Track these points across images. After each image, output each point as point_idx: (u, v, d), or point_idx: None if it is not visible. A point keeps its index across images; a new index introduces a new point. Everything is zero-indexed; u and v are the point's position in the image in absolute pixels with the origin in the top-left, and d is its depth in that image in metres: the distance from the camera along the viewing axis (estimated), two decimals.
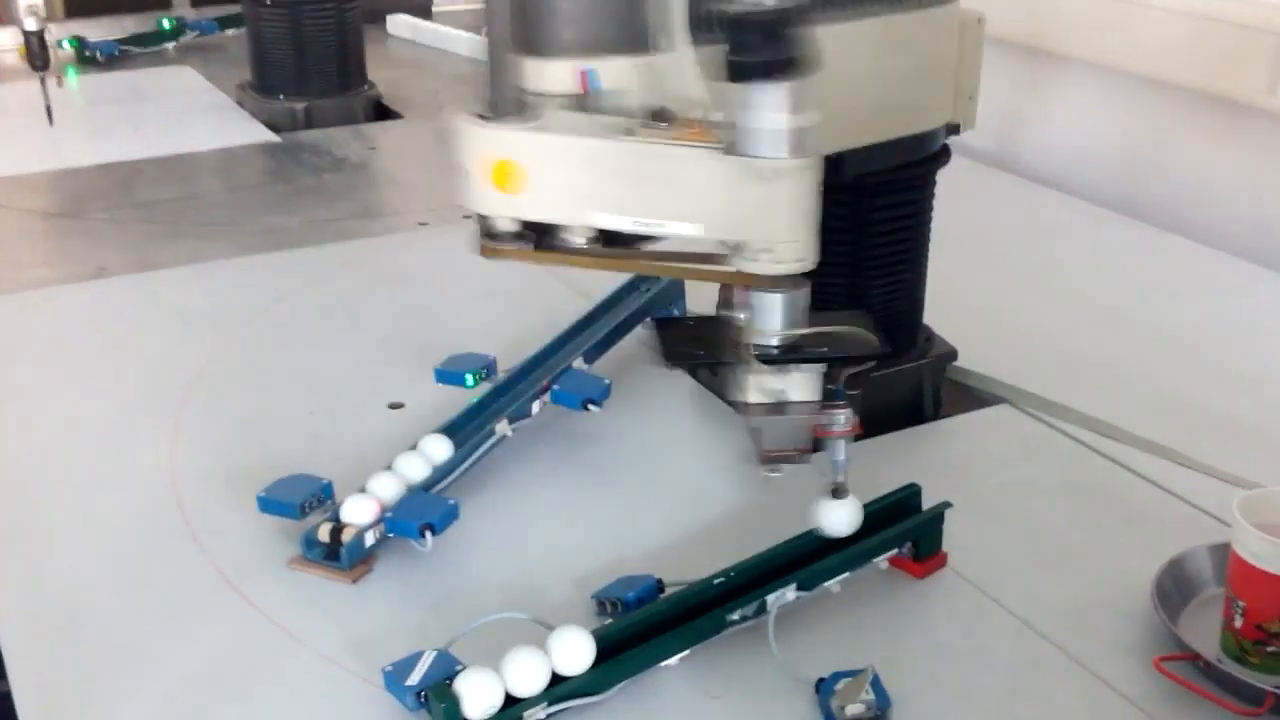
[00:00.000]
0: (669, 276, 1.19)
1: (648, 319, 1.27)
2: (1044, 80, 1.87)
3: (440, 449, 1.00)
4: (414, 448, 1.00)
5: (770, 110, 0.74)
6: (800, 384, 0.83)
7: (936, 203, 1.11)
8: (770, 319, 0.81)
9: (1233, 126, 1.61)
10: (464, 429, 1.06)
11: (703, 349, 0.86)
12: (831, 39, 0.92)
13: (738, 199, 0.76)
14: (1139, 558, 0.91)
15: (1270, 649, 0.80)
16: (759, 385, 0.83)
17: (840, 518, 0.86)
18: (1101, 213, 1.67)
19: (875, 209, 1.07)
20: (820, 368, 0.83)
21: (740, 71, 0.74)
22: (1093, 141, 1.81)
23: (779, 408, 0.83)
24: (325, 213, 1.67)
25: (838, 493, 0.86)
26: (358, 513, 0.93)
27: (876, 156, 1.02)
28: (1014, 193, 1.76)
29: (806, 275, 0.80)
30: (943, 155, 1.09)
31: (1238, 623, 0.81)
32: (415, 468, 0.99)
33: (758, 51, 0.73)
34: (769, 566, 0.86)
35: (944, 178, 1.11)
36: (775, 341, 0.82)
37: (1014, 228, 1.63)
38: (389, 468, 0.98)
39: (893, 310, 1.11)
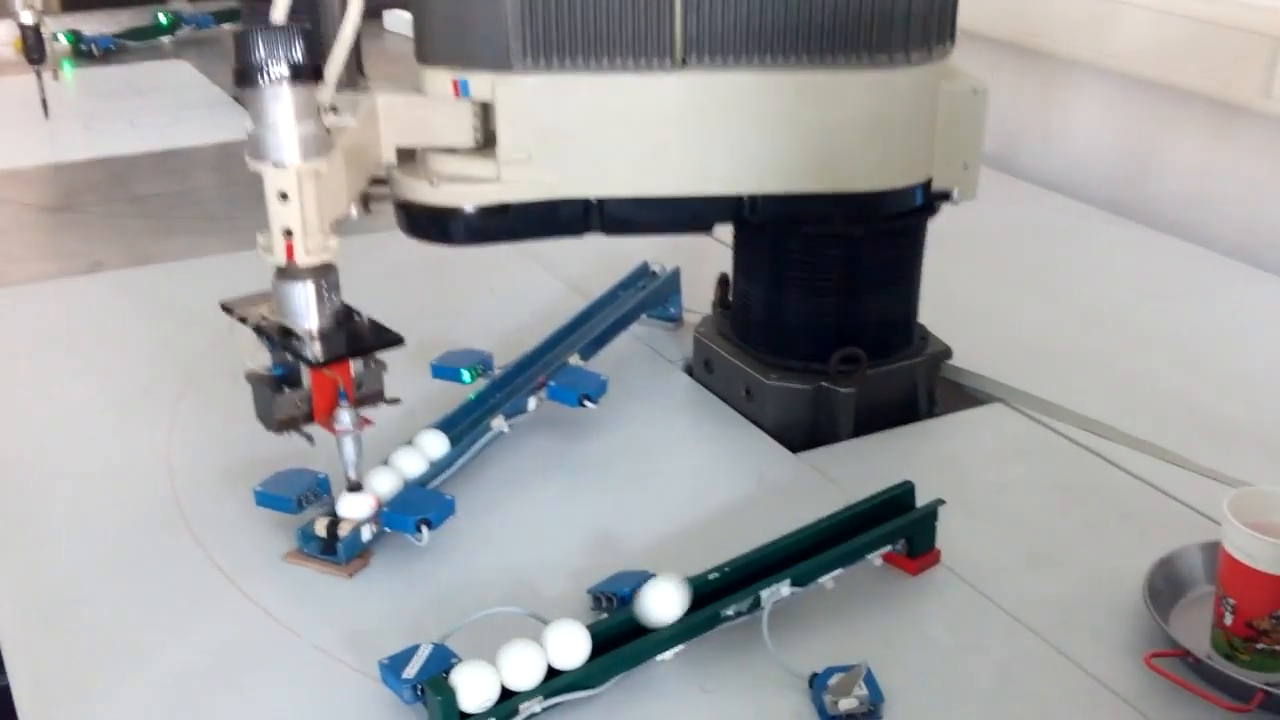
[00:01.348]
0: None
1: (641, 315, 1.28)
2: (1041, 82, 1.87)
3: (436, 444, 1.01)
4: (410, 443, 1.01)
5: (265, 113, 0.83)
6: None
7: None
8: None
9: (1229, 129, 1.62)
10: (460, 425, 1.06)
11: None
12: (738, 87, 0.98)
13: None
14: (1130, 556, 0.92)
15: (1260, 646, 0.80)
16: (253, 355, 0.91)
17: (352, 508, 0.92)
18: (1097, 214, 1.68)
19: (865, 255, 1.08)
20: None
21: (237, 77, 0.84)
22: (1089, 143, 1.82)
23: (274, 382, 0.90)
24: None
25: (352, 487, 0.92)
26: (354, 507, 0.93)
27: (811, 206, 1.03)
28: (1010, 194, 1.77)
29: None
30: (925, 211, 1.08)
31: (1228, 620, 0.81)
32: (412, 463, 0.99)
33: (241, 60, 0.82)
34: (763, 562, 0.87)
35: None
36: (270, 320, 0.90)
37: (1010, 228, 1.63)
38: (385, 462, 0.98)
39: (888, 310, 1.12)
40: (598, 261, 1.40)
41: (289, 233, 0.86)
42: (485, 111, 1.00)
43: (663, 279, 1.30)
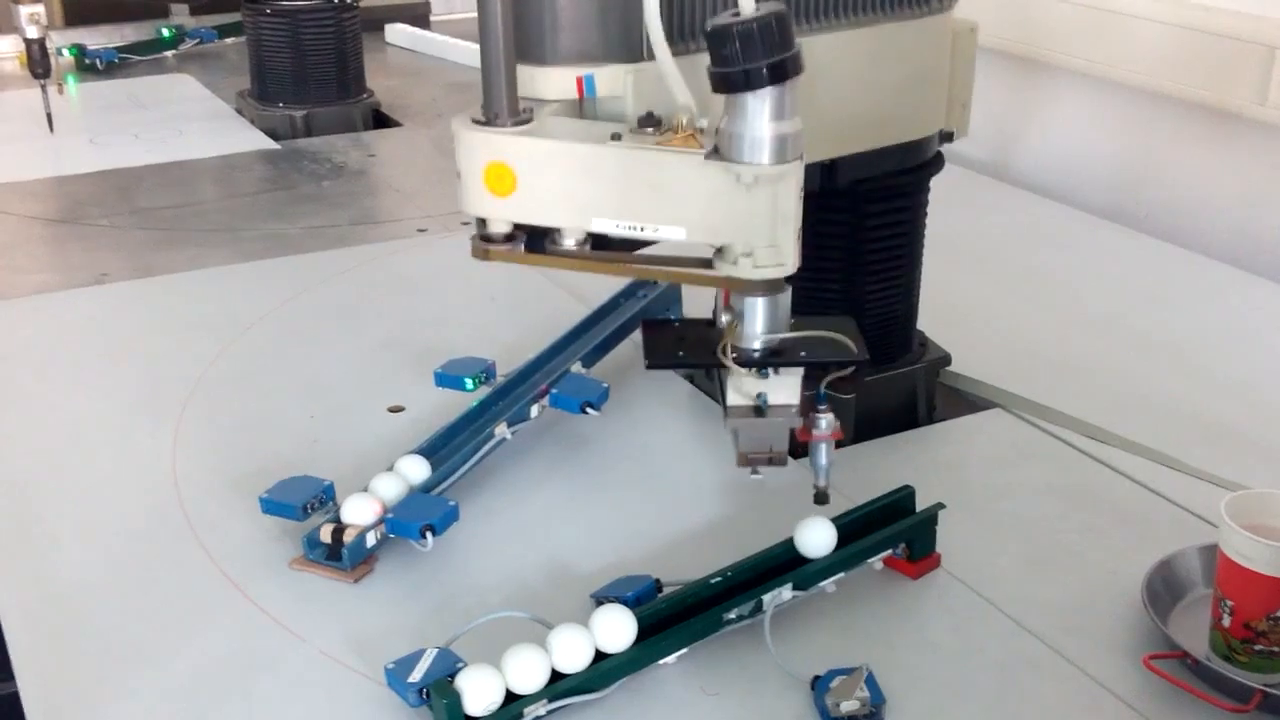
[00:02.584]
0: (656, 279, 1.20)
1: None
2: (1037, 90, 1.88)
3: (417, 469, 0.99)
4: (390, 468, 0.99)
5: (751, 118, 0.76)
6: (779, 387, 0.84)
7: (931, 210, 1.13)
8: (751, 322, 0.83)
9: (1223, 136, 1.63)
10: (463, 432, 1.07)
11: (686, 352, 0.87)
12: (823, 48, 0.95)
13: (720, 204, 0.78)
14: (1129, 559, 0.93)
15: (1258, 647, 0.81)
16: (738, 388, 0.84)
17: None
18: (1093, 220, 1.69)
19: (870, 215, 1.08)
20: (799, 372, 0.84)
21: (720, 83, 0.75)
22: (1085, 151, 1.83)
23: (757, 410, 0.84)
24: (325, 219, 1.68)
25: (819, 497, 0.88)
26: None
27: (870, 164, 1.04)
28: (1007, 201, 1.78)
29: (791, 279, 0.81)
30: (936, 162, 1.10)
31: (1226, 622, 0.82)
32: (416, 469, 1.00)
33: (737, 62, 0.74)
34: (765, 566, 0.87)
35: (938, 185, 1.12)
36: (756, 345, 0.83)
37: (1007, 235, 1.64)
38: (390, 469, 0.99)
39: (887, 315, 1.12)
40: None
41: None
42: None
43: (664, 286, 1.31)
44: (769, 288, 0.81)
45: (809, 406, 0.86)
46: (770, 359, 0.83)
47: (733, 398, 0.84)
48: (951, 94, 1.07)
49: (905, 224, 1.10)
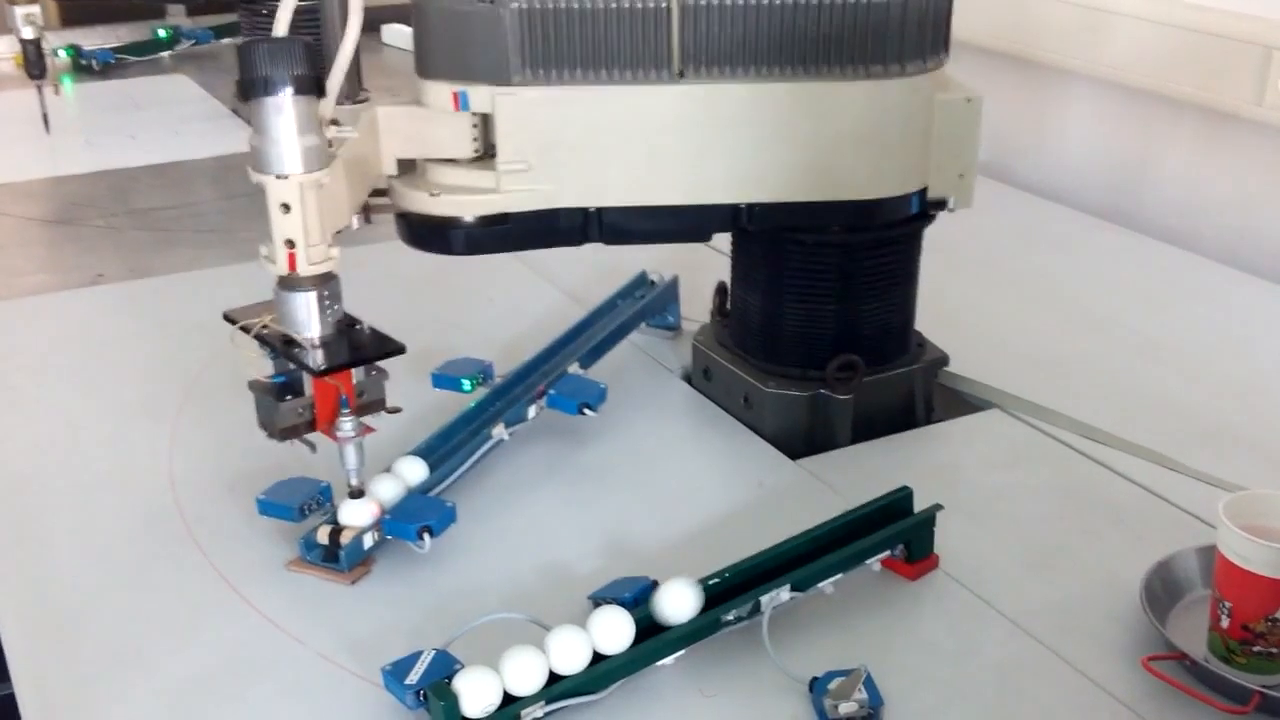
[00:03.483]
0: None
1: (640, 323, 1.29)
2: (1035, 91, 1.88)
3: (415, 471, 1.00)
4: (389, 469, 1.00)
5: (268, 126, 0.84)
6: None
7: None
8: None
9: (1221, 137, 1.63)
10: (461, 433, 1.07)
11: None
12: (739, 96, 0.99)
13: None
14: (1127, 560, 0.93)
15: (1256, 649, 0.81)
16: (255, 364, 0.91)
17: (354, 515, 0.93)
18: (1091, 221, 1.69)
19: (863, 261, 1.09)
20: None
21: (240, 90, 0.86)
22: (1083, 152, 1.83)
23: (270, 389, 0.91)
24: None
25: (354, 494, 0.93)
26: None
27: (804, 215, 1.04)
28: (1005, 201, 1.78)
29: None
30: (921, 219, 1.09)
31: (1224, 623, 0.82)
32: (413, 471, 1.00)
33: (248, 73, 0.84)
34: (763, 568, 0.87)
35: None
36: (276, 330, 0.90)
37: (1005, 236, 1.64)
38: (387, 470, 0.99)
39: (885, 317, 1.12)
40: (597, 271, 1.41)
41: (291, 243, 0.87)
42: (485, 123, 1.01)
43: (661, 288, 1.31)
44: (284, 283, 0.89)
45: (334, 406, 0.91)
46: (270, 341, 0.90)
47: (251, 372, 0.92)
48: (941, 162, 1.06)
49: (896, 268, 1.12)
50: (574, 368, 1.15)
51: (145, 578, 0.95)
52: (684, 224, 1.04)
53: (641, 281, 1.32)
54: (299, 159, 0.85)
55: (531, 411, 1.09)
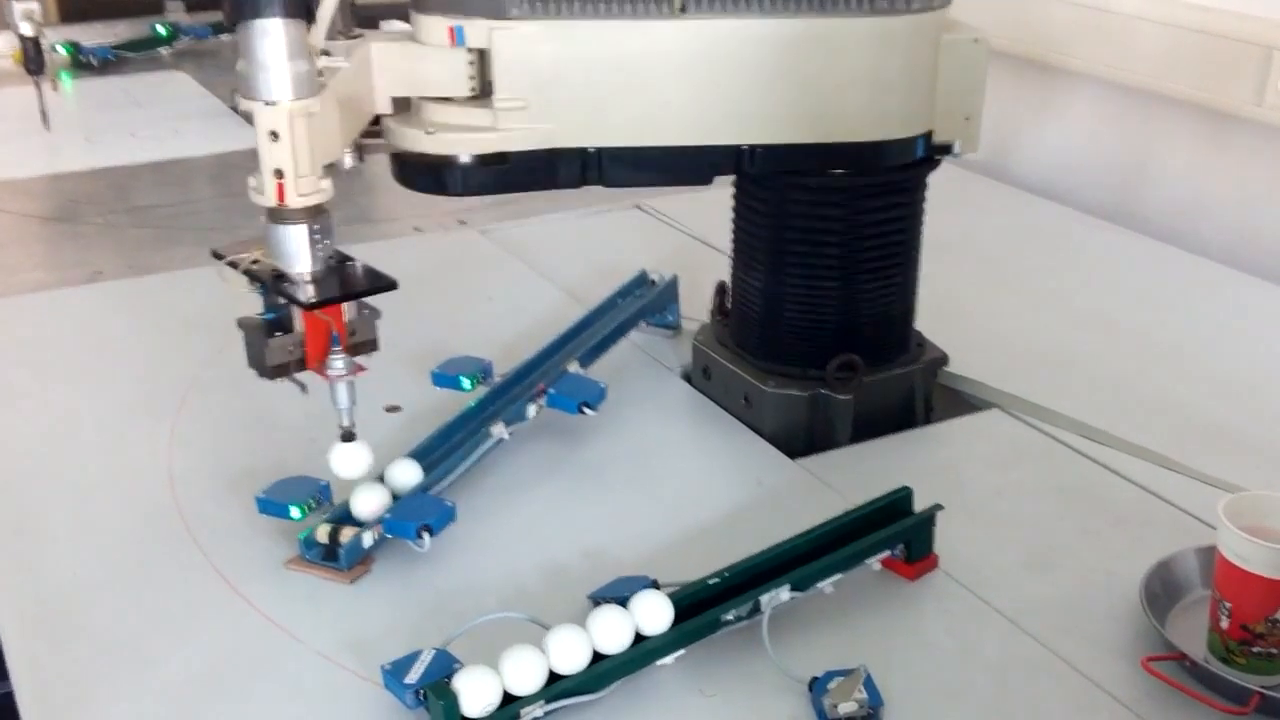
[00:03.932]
0: None
1: (640, 322, 1.29)
2: (1035, 90, 1.88)
3: (409, 473, 0.99)
4: (381, 479, 0.99)
5: (256, 50, 0.81)
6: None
7: (929, 210, 1.13)
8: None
9: (1221, 137, 1.63)
10: (460, 432, 1.06)
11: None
12: (743, 33, 0.97)
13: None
14: (1127, 560, 0.93)
15: (1256, 649, 0.81)
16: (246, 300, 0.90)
17: (346, 460, 0.91)
18: (1091, 221, 1.69)
19: (866, 210, 1.07)
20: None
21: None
22: (1083, 151, 1.83)
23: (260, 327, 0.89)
24: None
25: (345, 436, 0.91)
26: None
27: (807, 156, 1.02)
28: (1005, 201, 1.78)
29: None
30: (927, 163, 1.08)
31: (1224, 624, 0.82)
32: (411, 471, 0.99)
33: None
34: (763, 567, 0.87)
35: (936, 185, 1.12)
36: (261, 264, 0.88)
37: (1005, 236, 1.64)
38: (386, 469, 0.99)
39: (885, 315, 1.12)
40: (596, 269, 1.41)
41: (280, 173, 0.84)
42: (482, 59, 0.98)
43: (661, 287, 1.31)
44: (273, 215, 0.87)
45: (325, 343, 0.89)
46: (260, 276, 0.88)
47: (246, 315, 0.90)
48: (947, 105, 1.05)
49: (901, 220, 1.10)
50: (574, 367, 1.14)
51: (144, 576, 0.95)
52: (685, 166, 1.01)
53: (641, 280, 1.32)
54: (288, 85, 0.82)
55: (531, 410, 1.09)
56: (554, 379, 1.12)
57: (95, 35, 2.53)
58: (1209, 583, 0.85)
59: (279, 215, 0.87)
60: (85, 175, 1.85)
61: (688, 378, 1.23)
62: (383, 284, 0.89)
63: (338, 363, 0.89)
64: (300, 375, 0.90)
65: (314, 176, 0.86)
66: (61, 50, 2.42)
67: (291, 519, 0.95)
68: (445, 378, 1.12)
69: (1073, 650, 0.86)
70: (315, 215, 0.87)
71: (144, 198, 1.76)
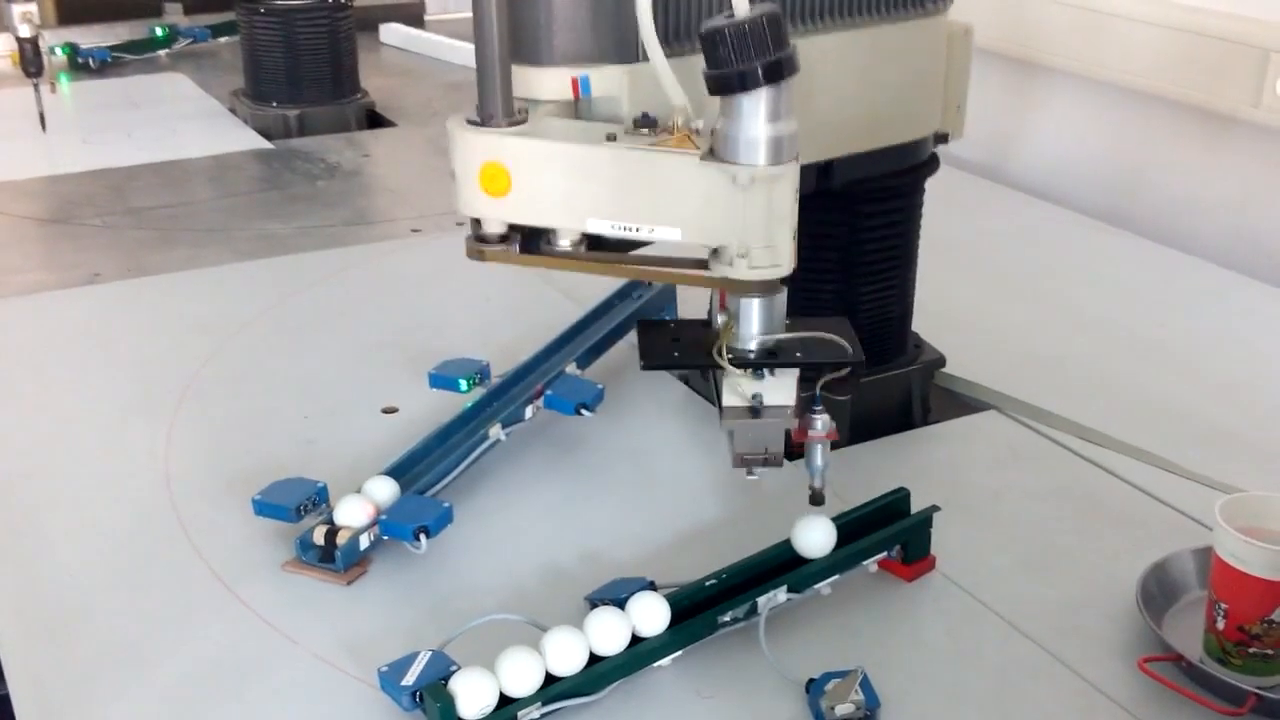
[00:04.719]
0: (651, 280, 1.21)
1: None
2: (1032, 92, 1.88)
3: (384, 490, 0.97)
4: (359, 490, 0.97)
5: (746, 119, 0.76)
6: (775, 388, 0.84)
7: (926, 212, 1.13)
8: (747, 323, 0.83)
9: (1218, 138, 1.63)
10: (457, 433, 1.06)
11: (681, 353, 0.87)
12: (818, 50, 0.96)
13: (716, 205, 0.78)
14: (1124, 561, 0.93)
15: (1252, 650, 0.81)
16: (734, 388, 0.84)
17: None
18: (1088, 222, 1.69)
19: (866, 216, 1.08)
20: (795, 373, 0.84)
21: (715, 85, 0.75)
22: (1080, 153, 1.83)
23: (753, 411, 0.85)
24: (318, 219, 1.68)
25: (814, 498, 0.88)
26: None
27: (865, 165, 1.03)
28: (1002, 202, 1.78)
29: (787, 280, 0.81)
30: (931, 163, 1.10)
31: (1220, 625, 0.82)
32: (387, 489, 0.97)
33: (731, 64, 0.74)
34: (760, 569, 0.87)
35: (933, 187, 1.12)
36: (752, 345, 0.83)
37: (1002, 237, 1.64)
38: (384, 471, 0.99)
39: (883, 317, 1.12)
40: None
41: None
42: None
43: (658, 288, 1.31)
44: (765, 288, 0.81)
45: (804, 407, 0.86)
46: (766, 359, 0.83)
47: (729, 399, 0.85)
48: (946, 96, 1.07)
49: (901, 224, 1.10)
50: (571, 368, 1.14)
51: (141, 578, 0.95)
52: None
53: (639, 282, 1.32)
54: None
55: (529, 412, 1.09)
56: (551, 380, 1.12)
57: (93, 37, 2.53)
58: (1205, 584, 0.85)
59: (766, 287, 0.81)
60: (83, 177, 1.85)
61: (685, 379, 1.23)
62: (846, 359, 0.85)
63: (818, 423, 0.86)
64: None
65: None
66: (60, 52, 2.42)
67: (289, 521, 0.95)
68: (442, 379, 1.12)
69: (1069, 651, 0.86)
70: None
71: (142, 199, 1.76)
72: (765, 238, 0.78)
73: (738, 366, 0.83)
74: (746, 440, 0.86)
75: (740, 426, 0.85)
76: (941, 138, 1.09)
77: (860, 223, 1.08)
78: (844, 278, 1.09)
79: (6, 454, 1.12)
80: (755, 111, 0.75)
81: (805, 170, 0.96)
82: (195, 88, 2.33)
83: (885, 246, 1.10)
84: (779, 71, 0.74)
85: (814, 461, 0.88)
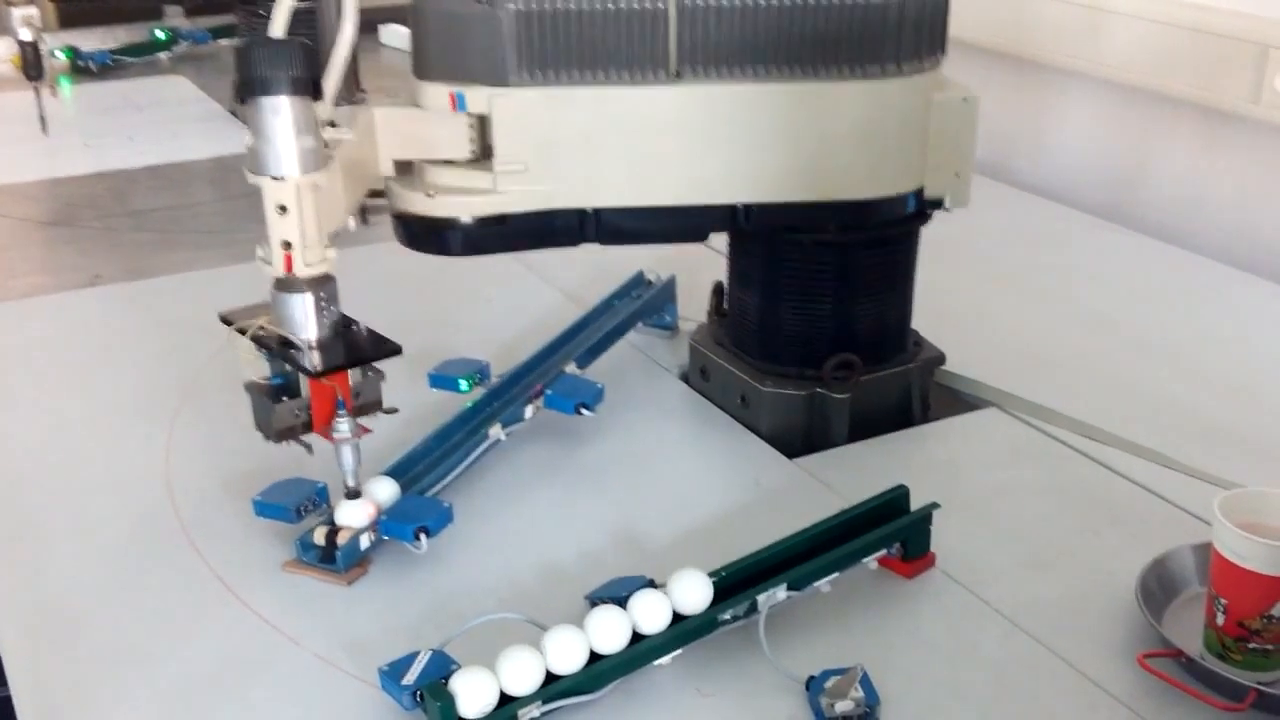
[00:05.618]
0: None
1: (638, 323, 1.29)
2: (1033, 90, 1.88)
3: (385, 490, 0.99)
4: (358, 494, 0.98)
5: (265, 127, 0.84)
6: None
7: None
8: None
9: (1218, 136, 1.63)
10: (458, 433, 1.07)
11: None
12: (740, 98, 1.00)
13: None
14: (1123, 557, 0.93)
15: (1251, 645, 0.81)
16: (251, 365, 0.91)
17: (350, 515, 0.93)
18: (1089, 220, 1.69)
19: (859, 259, 1.09)
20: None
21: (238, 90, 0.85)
22: (1081, 151, 1.83)
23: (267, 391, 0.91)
24: None
25: (350, 495, 0.93)
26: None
27: (800, 215, 1.04)
28: (1003, 200, 1.78)
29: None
30: (918, 218, 1.10)
31: (1220, 620, 0.82)
32: (388, 489, 0.98)
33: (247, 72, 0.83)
34: (759, 567, 0.87)
35: None
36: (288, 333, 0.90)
37: (1002, 235, 1.64)
38: (384, 471, 0.99)
39: (882, 317, 1.12)
40: (594, 271, 1.41)
41: (288, 245, 0.87)
42: (482, 124, 1.01)
43: (658, 287, 1.31)
44: (282, 285, 0.89)
45: (330, 407, 0.91)
46: (267, 343, 0.90)
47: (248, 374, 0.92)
48: (938, 161, 1.06)
49: (893, 266, 1.12)
50: (571, 368, 1.15)
51: (142, 579, 0.95)
52: (681, 224, 1.04)
53: (638, 281, 1.32)
54: (296, 161, 0.85)
55: (529, 412, 1.09)
56: (551, 380, 1.12)
57: (94, 40, 2.54)
58: (1205, 579, 0.85)
59: (286, 284, 0.89)
60: (84, 179, 1.86)
61: (685, 378, 1.24)
62: (387, 350, 0.91)
63: (343, 426, 0.91)
64: (307, 437, 0.92)
65: (320, 247, 0.88)
66: (60, 55, 2.42)
67: (290, 521, 0.95)
68: (442, 379, 1.12)
69: (1069, 647, 0.86)
70: (321, 283, 0.89)
71: (142, 202, 1.77)
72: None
73: (260, 346, 0.90)
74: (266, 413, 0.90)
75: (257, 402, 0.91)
76: (935, 203, 1.08)
77: (852, 267, 1.09)
78: (839, 301, 1.10)
79: (8, 456, 1.12)
80: (270, 121, 0.84)
81: (715, 210, 1.03)
82: (196, 90, 2.34)
83: (879, 284, 1.11)
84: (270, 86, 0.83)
85: (345, 461, 0.92)
